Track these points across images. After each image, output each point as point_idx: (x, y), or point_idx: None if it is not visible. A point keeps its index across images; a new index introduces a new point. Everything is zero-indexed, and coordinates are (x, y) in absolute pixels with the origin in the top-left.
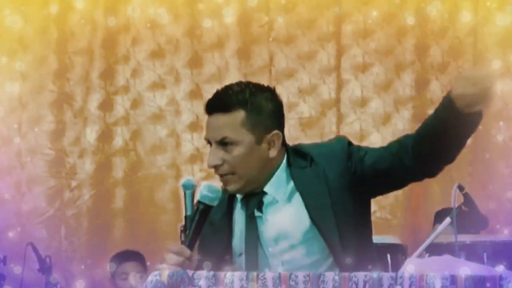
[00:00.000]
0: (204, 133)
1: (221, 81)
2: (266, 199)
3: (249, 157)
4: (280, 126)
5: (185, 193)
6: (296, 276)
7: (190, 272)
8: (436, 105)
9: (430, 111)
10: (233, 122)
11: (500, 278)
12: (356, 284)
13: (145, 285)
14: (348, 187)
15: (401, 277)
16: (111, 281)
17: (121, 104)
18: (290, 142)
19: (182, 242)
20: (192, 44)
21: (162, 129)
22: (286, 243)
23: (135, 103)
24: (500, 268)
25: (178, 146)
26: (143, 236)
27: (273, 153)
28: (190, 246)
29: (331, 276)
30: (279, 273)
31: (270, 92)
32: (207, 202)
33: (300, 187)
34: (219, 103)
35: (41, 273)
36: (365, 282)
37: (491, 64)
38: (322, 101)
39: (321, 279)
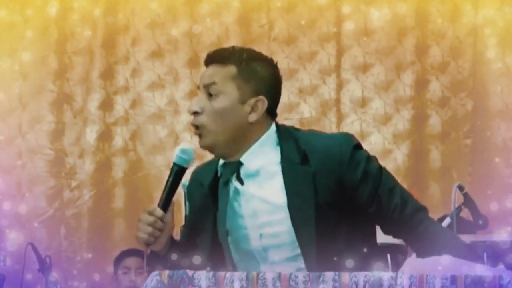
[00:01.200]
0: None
1: None
2: (243, 170)
3: (228, 112)
4: (269, 94)
5: (185, 193)
6: (296, 276)
7: (190, 272)
8: (436, 105)
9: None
10: (224, 73)
11: (500, 278)
12: (356, 284)
13: (145, 285)
14: (337, 199)
15: (401, 277)
16: (113, 278)
17: (121, 104)
18: None
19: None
20: (192, 44)
21: (162, 129)
22: (265, 218)
23: (135, 103)
24: (500, 268)
25: (176, 146)
26: None
27: (252, 117)
28: (164, 208)
29: (331, 276)
30: (279, 273)
31: (268, 62)
32: (181, 163)
33: (287, 185)
34: (216, 55)
35: (41, 273)
36: (365, 282)
37: (491, 64)
38: (322, 101)
39: (321, 279)
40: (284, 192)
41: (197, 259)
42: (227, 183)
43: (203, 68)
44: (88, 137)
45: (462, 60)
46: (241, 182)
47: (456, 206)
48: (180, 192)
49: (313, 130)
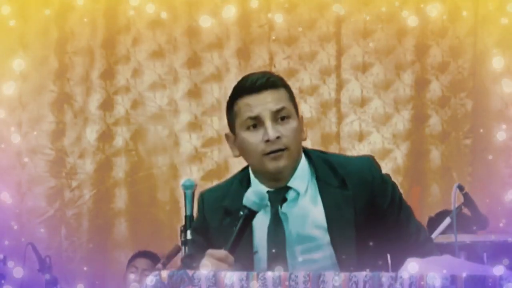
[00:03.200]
0: (245, 113)
1: (220, 81)
2: (289, 195)
3: (298, 133)
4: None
5: (185, 193)
6: (296, 276)
7: (190, 272)
8: (436, 105)
9: (430, 111)
10: (284, 97)
11: (500, 278)
12: (356, 284)
13: (145, 285)
14: (370, 223)
15: (401, 277)
16: (124, 275)
17: (121, 104)
18: None
19: (183, 243)
20: (191, 44)
21: (162, 129)
22: (307, 243)
23: (135, 103)
24: (500, 268)
25: (176, 146)
26: (143, 236)
27: (304, 136)
28: (232, 252)
29: (331, 276)
30: (279, 273)
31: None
32: (252, 207)
33: (327, 209)
34: (267, 81)
35: (41, 273)
36: (365, 282)
37: (491, 64)
38: (322, 101)
39: (321, 279)
40: (324, 215)
41: None
42: (276, 210)
43: (203, 68)
44: (88, 137)
45: (462, 60)
46: (282, 206)
47: (456, 206)
48: (181, 192)
49: (335, 153)
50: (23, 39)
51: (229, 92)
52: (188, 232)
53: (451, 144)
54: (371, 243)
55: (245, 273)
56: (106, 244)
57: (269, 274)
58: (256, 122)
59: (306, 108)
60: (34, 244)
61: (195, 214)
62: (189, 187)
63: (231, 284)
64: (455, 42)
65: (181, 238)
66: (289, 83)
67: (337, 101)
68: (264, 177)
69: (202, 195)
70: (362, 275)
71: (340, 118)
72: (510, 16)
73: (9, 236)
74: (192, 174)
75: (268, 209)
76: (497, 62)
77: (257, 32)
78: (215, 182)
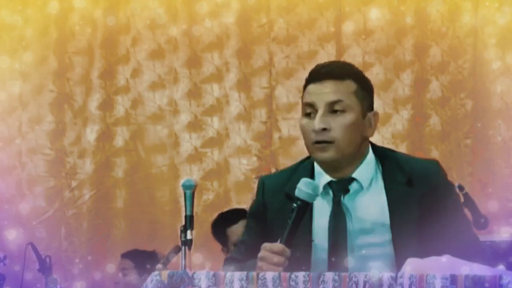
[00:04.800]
0: (305, 99)
1: (220, 81)
2: (352, 187)
3: (354, 127)
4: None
5: (185, 193)
6: (296, 276)
7: (190, 272)
8: (436, 105)
9: (430, 111)
10: (346, 89)
11: (500, 278)
12: (356, 284)
13: (145, 285)
14: (433, 223)
15: (401, 277)
16: None
17: (121, 104)
18: (291, 142)
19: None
20: (191, 44)
21: (162, 129)
22: (367, 237)
23: (135, 103)
24: (500, 268)
25: (176, 146)
26: (143, 236)
27: (370, 132)
28: (288, 245)
29: (331, 276)
30: (279, 273)
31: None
32: (305, 199)
33: (391, 204)
34: (332, 71)
35: (41, 273)
36: (365, 282)
37: (491, 64)
38: None
39: (321, 279)
40: (387, 212)
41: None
42: (338, 200)
43: (202, 68)
44: (88, 137)
45: (462, 60)
46: (345, 198)
47: None
48: (181, 192)
49: (403, 153)
50: (23, 39)
51: (228, 92)
52: (188, 232)
53: (451, 144)
54: (432, 245)
55: (245, 273)
56: (106, 244)
57: (269, 274)
58: (312, 111)
59: None
60: (34, 244)
61: (255, 200)
62: (189, 187)
63: (231, 284)
64: (455, 42)
65: (181, 238)
66: (289, 82)
67: None
68: (320, 166)
69: (262, 180)
70: (362, 275)
71: None
72: (510, 16)
73: (9, 236)
74: (192, 174)
75: (330, 198)
76: (497, 62)
77: (257, 32)
78: (215, 182)
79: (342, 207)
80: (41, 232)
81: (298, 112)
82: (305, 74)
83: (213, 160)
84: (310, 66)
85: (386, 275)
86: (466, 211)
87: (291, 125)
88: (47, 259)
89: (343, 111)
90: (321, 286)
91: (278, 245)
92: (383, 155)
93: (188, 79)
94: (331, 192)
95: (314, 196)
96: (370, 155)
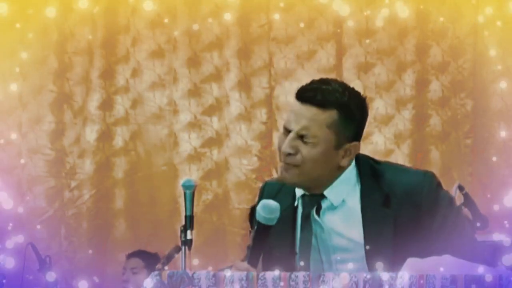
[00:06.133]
0: (286, 118)
1: (220, 81)
2: (324, 203)
3: (322, 159)
4: (361, 135)
5: (185, 193)
6: (296, 276)
7: (190, 272)
8: (437, 105)
9: (431, 111)
10: (323, 121)
11: (500, 278)
12: (356, 284)
13: (145, 285)
14: (415, 238)
15: (401, 277)
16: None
17: (121, 104)
18: None
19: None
20: (191, 44)
21: (162, 129)
22: (341, 254)
23: (135, 103)
24: (500, 268)
25: (175, 146)
26: (143, 236)
27: (344, 162)
28: (254, 264)
29: (331, 276)
30: (279, 273)
31: (362, 101)
32: (264, 222)
33: (366, 225)
34: (314, 97)
35: (41, 273)
36: (365, 282)
37: (491, 64)
38: None
39: (321, 279)
40: (361, 230)
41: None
42: (307, 214)
43: (202, 67)
44: (88, 137)
45: (462, 60)
46: (318, 214)
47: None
48: (180, 192)
49: (393, 164)
50: (23, 39)
51: (229, 92)
52: (188, 232)
53: (451, 144)
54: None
55: (245, 273)
56: (106, 244)
57: (269, 274)
58: (285, 132)
59: None
60: (34, 244)
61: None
62: (189, 187)
63: (231, 284)
64: (455, 42)
65: (181, 238)
66: (289, 82)
67: None
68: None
69: (264, 184)
70: (362, 275)
71: None
72: (510, 16)
73: (9, 236)
74: (191, 173)
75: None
76: (497, 62)
77: (257, 32)
78: (214, 182)
79: (310, 222)
80: (41, 232)
81: None
82: (305, 74)
83: (212, 160)
84: (310, 66)
85: (386, 275)
86: (466, 211)
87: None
88: (47, 259)
89: (313, 143)
90: (321, 286)
91: (244, 265)
92: (366, 172)
93: (188, 79)
94: (301, 206)
95: (271, 219)
96: (350, 173)
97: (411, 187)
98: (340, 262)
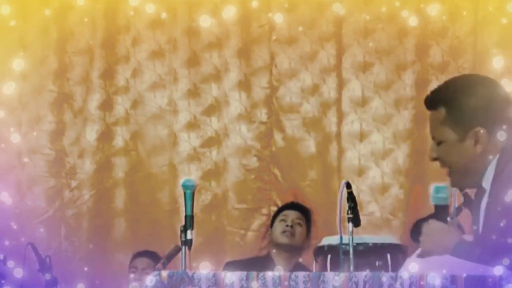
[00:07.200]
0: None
1: (220, 81)
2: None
3: (454, 154)
4: (489, 120)
5: (185, 193)
6: (296, 276)
7: (190, 272)
8: None
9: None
10: (436, 120)
11: (500, 278)
12: (356, 284)
13: (145, 285)
14: None
15: (401, 277)
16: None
17: (121, 104)
18: (294, 143)
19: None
20: (191, 44)
21: (162, 129)
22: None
23: (135, 103)
24: (500, 268)
25: (175, 146)
26: (143, 236)
27: (479, 149)
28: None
29: (331, 276)
30: (279, 273)
31: (481, 87)
32: (439, 203)
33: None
34: (426, 101)
35: (41, 273)
36: (365, 282)
37: (491, 64)
38: (323, 101)
39: (321, 279)
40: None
41: None
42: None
43: (202, 68)
44: (88, 137)
45: (462, 60)
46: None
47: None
48: (180, 192)
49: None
50: (23, 39)
51: (229, 92)
52: (188, 232)
53: None
54: None
55: (245, 273)
56: (106, 244)
57: (269, 274)
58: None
59: (309, 108)
60: (34, 244)
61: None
62: (189, 187)
63: (231, 284)
64: (455, 42)
65: (181, 238)
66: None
67: (338, 100)
68: None
69: None
70: (362, 275)
71: (341, 117)
72: (510, 16)
73: (9, 236)
74: (190, 173)
75: None
76: (497, 62)
77: (257, 32)
78: (213, 182)
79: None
80: (41, 232)
81: (302, 112)
82: (307, 74)
83: (212, 160)
84: (312, 66)
85: (386, 275)
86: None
87: (294, 126)
88: (47, 259)
89: (439, 143)
90: (321, 286)
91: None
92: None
93: (188, 79)
94: None
95: (444, 198)
96: (495, 161)
97: None
98: None
